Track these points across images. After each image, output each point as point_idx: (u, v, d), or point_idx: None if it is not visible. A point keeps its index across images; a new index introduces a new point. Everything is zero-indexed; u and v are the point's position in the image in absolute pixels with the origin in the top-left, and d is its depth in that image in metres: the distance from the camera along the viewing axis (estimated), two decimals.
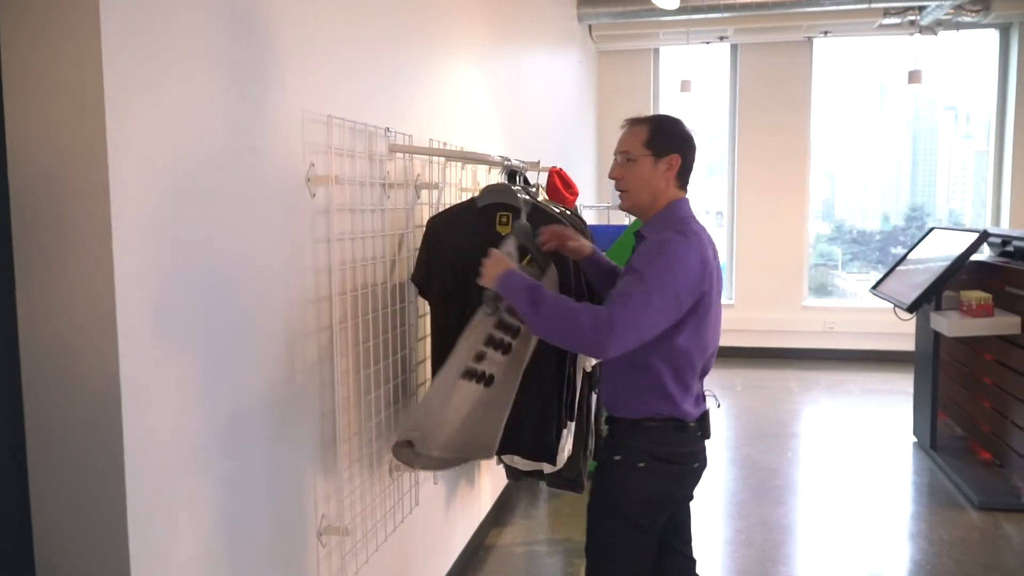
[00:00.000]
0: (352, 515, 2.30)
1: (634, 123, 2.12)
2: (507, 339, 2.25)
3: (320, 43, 2.12)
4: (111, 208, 1.37)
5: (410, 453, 2.18)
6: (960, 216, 8.80)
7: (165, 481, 1.54)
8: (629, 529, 2.09)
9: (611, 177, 2.14)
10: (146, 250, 1.47)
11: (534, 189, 2.87)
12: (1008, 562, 3.59)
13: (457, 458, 2.31)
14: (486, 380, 2.24)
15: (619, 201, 2.18)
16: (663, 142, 2.07)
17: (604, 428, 2.18)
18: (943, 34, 7.24)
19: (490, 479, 3.92)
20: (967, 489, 4.30)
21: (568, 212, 2.83)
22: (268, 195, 1.88)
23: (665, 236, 1.99)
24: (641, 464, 2.06)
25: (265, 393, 1.88)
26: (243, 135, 1.77)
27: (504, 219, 2.54)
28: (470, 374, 2.23)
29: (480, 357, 2.24)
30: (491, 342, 2.25)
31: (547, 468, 3.13)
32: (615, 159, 2.13)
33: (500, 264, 2.08)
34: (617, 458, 2.09)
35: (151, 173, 1.48)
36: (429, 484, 2.98)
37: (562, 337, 1.95)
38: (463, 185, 3.23)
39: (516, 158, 3.02)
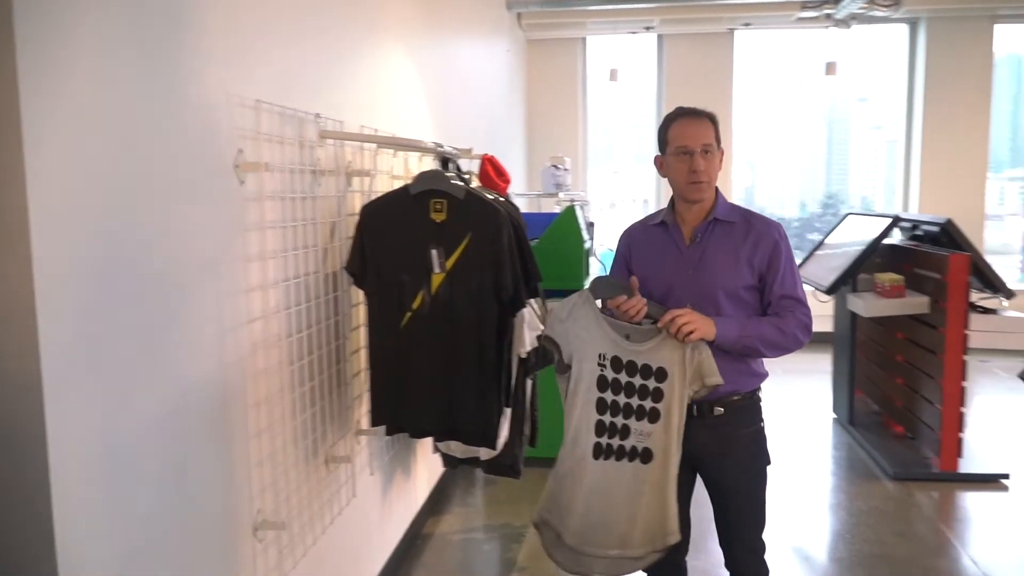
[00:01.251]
0: (288, 509, 2.27)
1: (699, 115, 2.22)
2: (648, 405, 2.11)
3: (247, 26, 2.08)
4: (28, 201, 1.32)
5: (587, 560, 2.10)
6: (872, 203, 9.16)
7: (93, 481, 1.49)
8: None
9: (698, 170, 2.18)
10: (67, 243, 1.41)
11: (468, 176, 2.87)
12: (920, 529, 3.78)
13: (646, 553, 2.11)
14: (640, 456, 2.10)
15: (697, 194, 2.23)
16: (719, 136, 2.24)
17: (719, 410, 2.21)
18: (857, 28, 7.50)
19: (426, 468, 3.92)
20: (882, 461, 4.51)
21: (502, 199, 2.84)
22: (195, 183, 1.83)
23: (766, 218, 2.29)
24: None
25: (196, 386, 1.84)
26: (167, 120, 1.72)
27: (439, 206, 2.54)
28: (607, 452, 2.10)
29: (611, 431, 2.10)
30: (623, 410, 2.10)
31: (484, 454, 3.15)
32: (695, 153, 2.18)
33: (702, 317, 2.10)
34: (762, 424, 2.35)
35: (70, 164, 1.42)
36: (365, 475, 2.97)
37: (776, 350, 2.20)
38: (394, 173, 3.21)
39: (448, 146, 3.01)
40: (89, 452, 1.48)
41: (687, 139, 2.19)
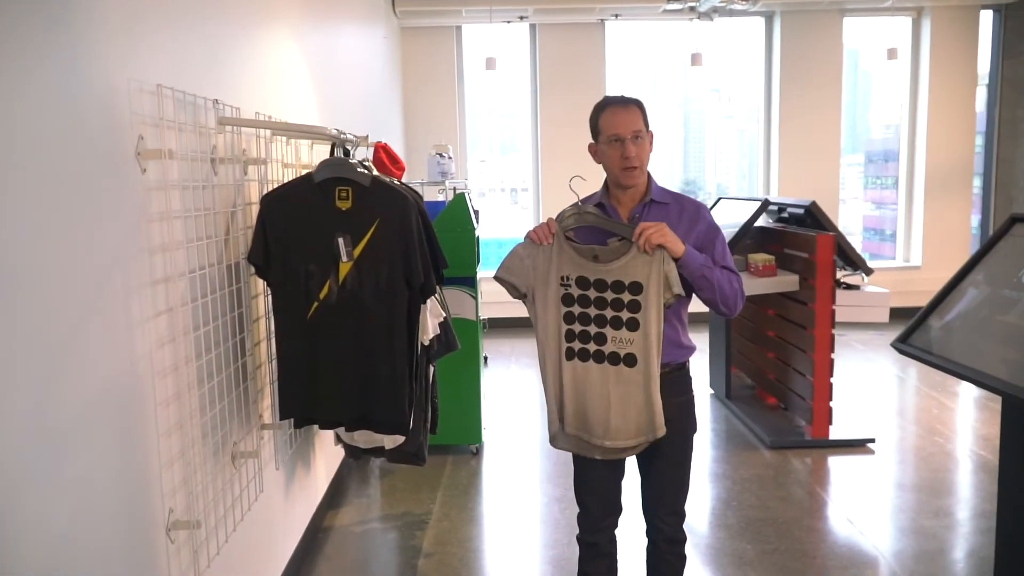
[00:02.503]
0: (200, 507, 2.19)
1: (626, 104, 2.30)
2: (625, 316, 2.23)
3: (144, 7, 1.97)
4: None
5: (587, 445, 2.31)
6: (727, 189, 9.66)
7: (3, 490, 1.39)
8: None
9: (629, 156, 2.25)
10: None
11: (367, 164, 2.82)
12: (797, 493, 4.06)
13: (638, 444, 2.29)
14: (624, 360, 2.24)
15: (631, 179, 2.30)
16: (648, 120, 2.32)
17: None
18: (718, 20, 7.87)
19: (324, 461, 3.85)
20: (759, 432, 4.79)
21: (404, 185, 2.82)
22: (96, 172, 1.73)
23: (694, 199, 2.41)
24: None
25: (106, 384, 1.74)
26: (64, 106, 1.62)
27: (344, 194, 2.49)
28: (582, 355, 2.27)
29: (583, 337, 2.26)
30: (594, 320, 2.25)
31: (389, 443, 3.14)
32: (626, 140, 2.26)
33: (672, 233, 2.18)
34: (692, 395, 2.46)
35: None
36: (271, 470, 2.89)
37: (724, 298, 2.27)
38: (287, 161, 3.13)
39: (349, 133, 2.96)
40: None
41: (618, 127, 2.27)
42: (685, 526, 2.50)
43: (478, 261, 4.60)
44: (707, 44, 8.21)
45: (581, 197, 2.47)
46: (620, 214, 2.37)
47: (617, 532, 2.54)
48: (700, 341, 6.48)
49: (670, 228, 2.24)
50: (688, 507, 2.50)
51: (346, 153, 2.75)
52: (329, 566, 3.40)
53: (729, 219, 5.36)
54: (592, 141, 2.38)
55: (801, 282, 4.70)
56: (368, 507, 4.00)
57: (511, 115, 8.96)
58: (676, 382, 2.39)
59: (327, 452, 3.86)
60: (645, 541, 2.54)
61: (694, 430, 2.47)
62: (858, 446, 4.62)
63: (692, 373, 2.47)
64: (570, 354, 2.28)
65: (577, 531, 2.53)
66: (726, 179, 9.98)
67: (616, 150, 2.28)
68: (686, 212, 2.35)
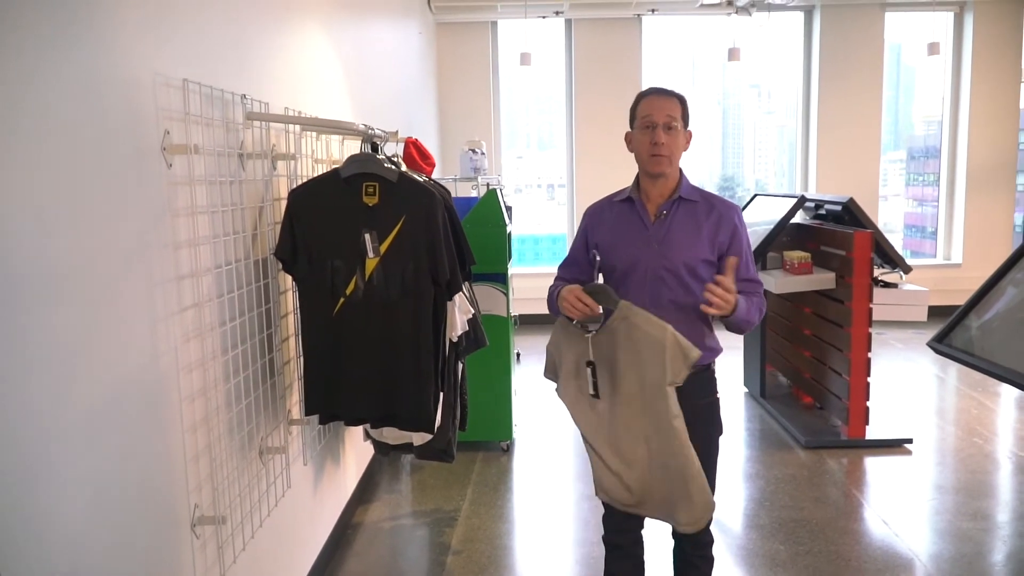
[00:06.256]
0: (227, 502, 2.20)
1: (666, 94, 2.30)
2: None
3: (171, 2, 1.98)
4: None
5: None
6: (765, 185, 9.51)
7: (23, 483, 1.40)
8: None
9: (659, 143, 2.24)
10: None
11: (396, 159, 2.82)
12: (832, 493, 3.98)
13: None
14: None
15: (658, 167, 2.28)
16: (687, 117, 2.31)
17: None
18: (757, 15, 7.74)
19: (355, 456, 3.87)
20: (794, 431, 4.71)
21: (432, 181, 2.81)
22: (121, 167, 1.74)
23: (726, 200, 2.36)
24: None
25: (128, 379, 1.75)
26: (89, 101, 1.62)
27: (371, 189, 2.49)
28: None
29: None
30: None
31: (417, 440, 3.14)
32: (658, 126, 2.24)
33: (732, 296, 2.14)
34: (717, 396, 2.42)
35: None
36: (299, 465, 2.90)
37: (750, 327, 2.30)
38: (317, 156, 3.14)
39: (377, 128, 2.95)
40: (18, 457, 1.39)
41: (652, 111, 2.26)
42: (717, 526, 2.46)
43: (510, 257, 4.58)
44: (745, 39, 8.08)
45: (610, 192, 2.46)
46: (648, 210, 2.34)
47: (644, 533, 2.50)
48: (732, 338, 6.41)
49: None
50: (718, 508, 2.46)
51: (374, 148, 2.74)
52: (357, 562, 3.41)
53: (765, 216, 5.27)
54: (629, 130, 2.37)
55: (838, 280, 4.61)
56: (398, 503, 4.01)
57: (549, 111, 8.93)
58: (702, 383, 2.34)
59: (357, 447, 3.87)
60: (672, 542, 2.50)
61: (719, 433, 2.42)
62: (895, 447, 4.52)
63: (723, 372, 2.43)
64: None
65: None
66: (765, 176, 9.85)
67: (647, 136, 2.26)
68: (715, 212, 2.32)
